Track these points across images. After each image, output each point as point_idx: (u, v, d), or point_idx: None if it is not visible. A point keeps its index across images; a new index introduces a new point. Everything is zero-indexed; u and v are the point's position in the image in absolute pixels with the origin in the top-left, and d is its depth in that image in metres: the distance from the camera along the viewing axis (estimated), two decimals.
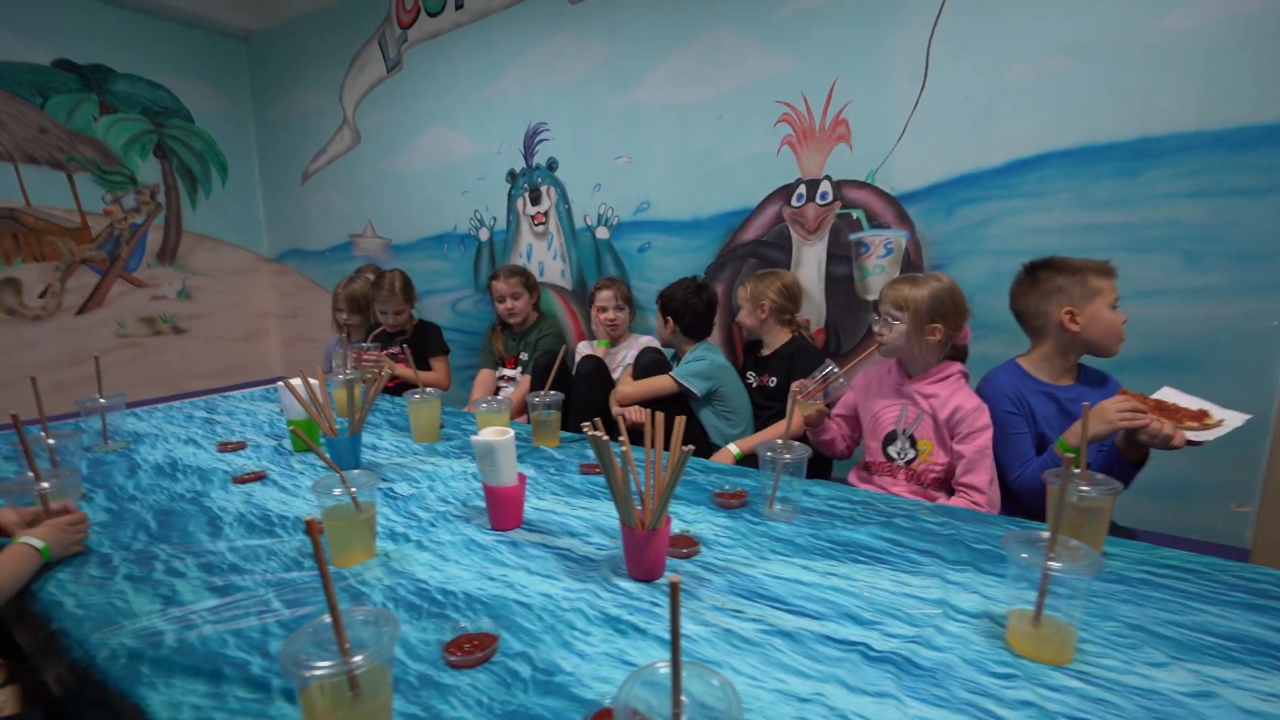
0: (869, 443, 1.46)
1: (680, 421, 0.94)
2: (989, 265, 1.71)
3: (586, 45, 2.33)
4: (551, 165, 2.51)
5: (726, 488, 1.21)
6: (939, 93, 1.73)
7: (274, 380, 2.21)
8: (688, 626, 0.77)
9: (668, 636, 0.74)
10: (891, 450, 1.42)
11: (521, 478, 1.09)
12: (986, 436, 1.30)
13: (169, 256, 3.35)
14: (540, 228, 2.60)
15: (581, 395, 2.01)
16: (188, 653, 0.73)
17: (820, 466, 1.77)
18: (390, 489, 1.25)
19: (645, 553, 0.88)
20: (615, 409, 1.90)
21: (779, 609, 0.81)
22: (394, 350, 2.38)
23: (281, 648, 0.55)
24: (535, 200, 2.59)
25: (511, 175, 2.64)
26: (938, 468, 1.36)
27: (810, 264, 2.01)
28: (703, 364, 1.86)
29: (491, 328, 2.49)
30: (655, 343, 2.12)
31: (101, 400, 1.59)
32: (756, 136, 2.03)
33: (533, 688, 0.66)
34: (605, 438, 0.85)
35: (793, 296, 1.90)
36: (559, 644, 0.74)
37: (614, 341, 2.17)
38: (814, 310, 2.03)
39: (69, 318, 2.98)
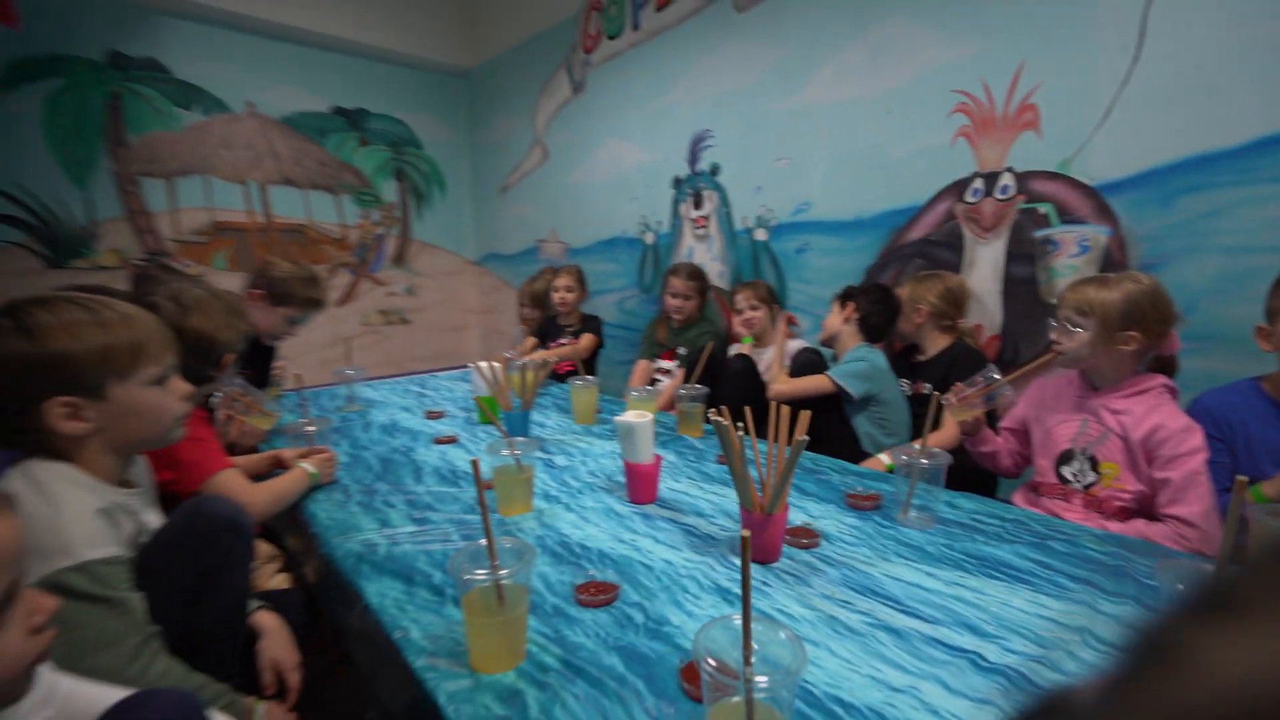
0: (1039, 461, 1.32)
1: (804, 415, 0.97)
2: (1218, 265, 1.43)
3: (753, 52, 2.38)
4: (714, 170, 2.60)
5: (860, 489, 1.20)
6: (1158, 63, 1.49)
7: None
8: (792, 608, 0.81)
9: (772, 613, 0.79)
10: (1066, 471, 1.27)
11: (657, 458, 1.19)
12: (1198, 460, 1.11)
13: (401, 260, 4.06)
14: (701, 231, 2.71)
15: (729, 391, 2.07)
16: (393, 561, 0.94)
17: (984, 484, 1.63)
18: (550, 459, 1.44)
19: (761, 535, 0.93)
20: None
21: (891, 607, 0.81)
22: (562, 341, 2.65)
23: (450, 560, 0.71)
24: (698, 204, 2.70)
25: (676, 181, 2.78)
26: (1125, 496, 1.19)
27: (985, 264, 1.85)
28: (862, 365, 1.81)
29: (654, 320, 2.66)
30: (808, 344, 2.10)
31: (349, 373, 2.03)
32: (928, 129, 1.92)
33: (644, 632, 0.76)
34: (726, 422, 0.92)
35: (955, 301, 1.77)
36: (671, 602, 0.82)
37: (760, 340, 2.19)
38: (987, 315, 1.86)
39: (332, 309, 3.78)
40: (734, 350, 2.26)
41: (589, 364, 2.66)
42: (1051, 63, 1.66)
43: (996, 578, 0.88)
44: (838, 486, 1.25)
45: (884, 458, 1.69)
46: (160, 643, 0.76)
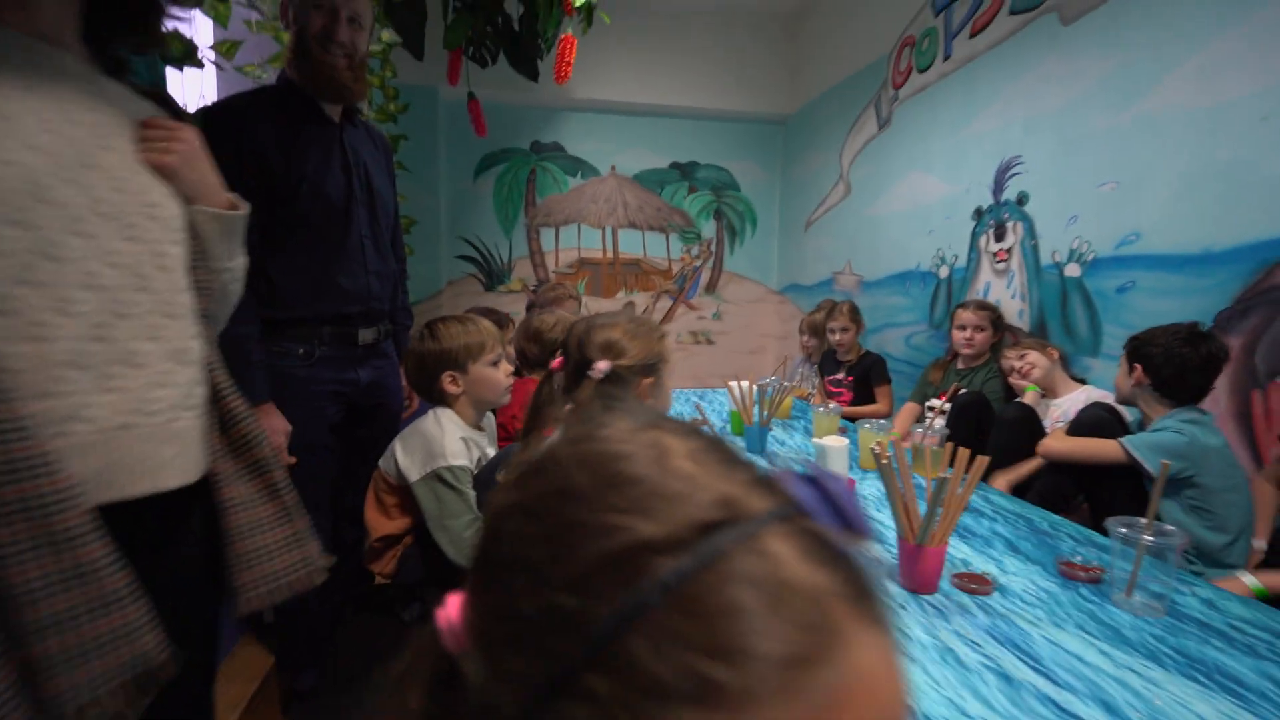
0: None
1: (980, 461, 0.98)
2: None
3: (1078, 65, 2.10)
4: (1021, 200, 2.35)
5: (1079, 559, 1.08)
6: None
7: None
8: (915, 630, 0.86)
9: (909, 641, 0.87)
10: None
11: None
12: None
13: (712, 288, 4.64)
14: (1001, 265, 2.46)
15: (1001, 441, 1.90)
16: None
17: None
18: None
19: (912, 565, 0.98)
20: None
21: (1024, 661, 0.79)
22: (837, 377, 2.74)
23: None
24: (999, 237, 2.47)
25: (978, 213, 2.59)
26: None
27: None
28: (1176, 438, 1.44)
29: (935, 361, 2.54)
30: (1110, 398, 1.78)
31: None
32: None
33: None
34: (886, 456, 1.00)
35: None
36: None
37: (1050, 391, 1.93)
38: None
39: None
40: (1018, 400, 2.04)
41: (867, 396, 2.69)
42: None
43: (1198, 681, 0.76)
44: (1053, 547, 1.14)
45: (1247, 579, 1.32)
46: (480, 522, 1.25)
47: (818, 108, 4.02)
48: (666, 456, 0.24)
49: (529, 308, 3.17)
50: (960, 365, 2.37)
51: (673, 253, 4.55)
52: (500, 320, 1.97)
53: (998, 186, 2.48)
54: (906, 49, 3.05)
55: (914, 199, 3.01)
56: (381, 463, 1.31)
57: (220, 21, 1.49)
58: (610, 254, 4.45)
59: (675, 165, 4.48)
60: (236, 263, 0.88)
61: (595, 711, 0.19)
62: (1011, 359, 2.05)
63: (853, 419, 2.10)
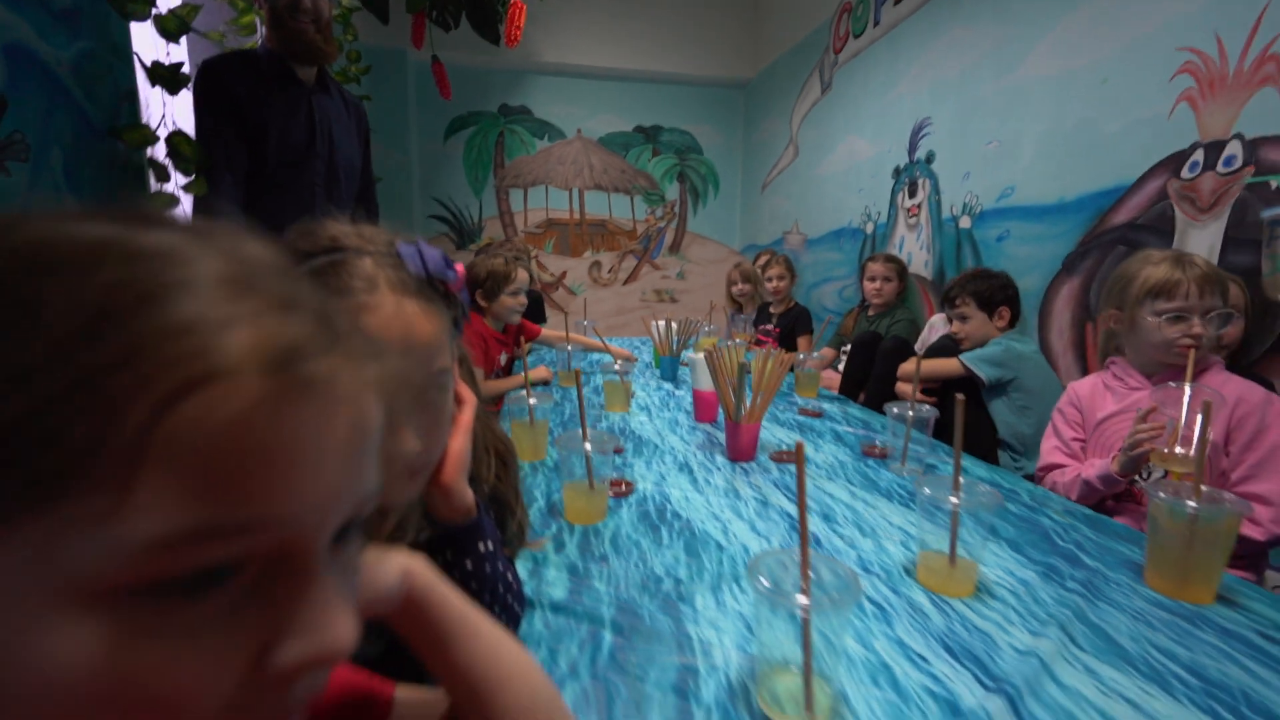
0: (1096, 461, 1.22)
1: (788, 357, 1.23)
2: None
3: (974, 33, 2.29)
4: (929, 158, 2.57)
5: (877, 442, 1.34)
6: None
7: None
8: (713, 478, 1.13)
9: (702, 482, 1.14)
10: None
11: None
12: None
13: (676, 248, 4.85)
14: (913, 220, 2.69)
15: (879, 370, 2.16)
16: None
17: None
18: (671, 390, 1.89)
19: (733, 438, 1.24)
20: (898, 386, 2.00)
21: (785, 497, 1.06)
22: (766, 327, 2.98)
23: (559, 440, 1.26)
24: (912, 193, 2.69)
25: (896, 171, 2.81)
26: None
27: (1197, 251, 1.55)
28: (997, 349, 1.76)
29: (849, 311, 2.79)
30: None
31: (585, 324, 2.79)
32: (1146, 97, 1.67)
33: (630, 449, 1.19)
34: (699, 356, 1.25)
35: None
36: (653, 453, 1.23)
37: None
38: None
39: (619, 286, 4.79)
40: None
41: (791, 344, 2.94)
42: None
43: (909, 506, 1.03)
44: (860, 438, 1.40)
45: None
46: None
47: (773, 72, 4.17)
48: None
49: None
50: (870, 313, 2.62)
51: (637, 214, 4.75)
52: None
53: (912, 146, 2.69)
54: (845, 14, 3.22)
55: (849, 160, 3.22)
56: None
57: None
58: (577, 215, 4.65)
59: (640, 129, 4.65)
60: None
61: None
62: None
63: None
